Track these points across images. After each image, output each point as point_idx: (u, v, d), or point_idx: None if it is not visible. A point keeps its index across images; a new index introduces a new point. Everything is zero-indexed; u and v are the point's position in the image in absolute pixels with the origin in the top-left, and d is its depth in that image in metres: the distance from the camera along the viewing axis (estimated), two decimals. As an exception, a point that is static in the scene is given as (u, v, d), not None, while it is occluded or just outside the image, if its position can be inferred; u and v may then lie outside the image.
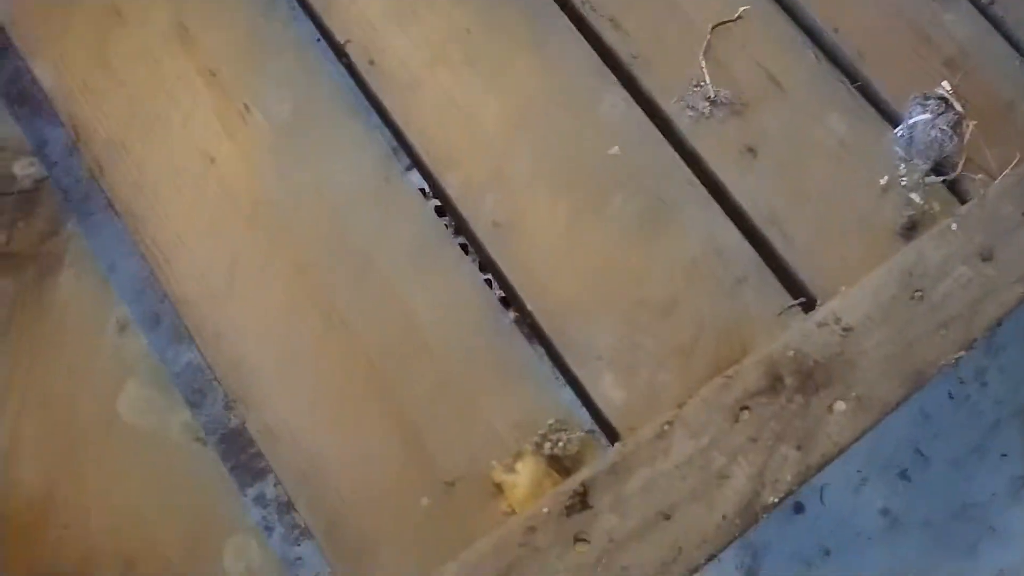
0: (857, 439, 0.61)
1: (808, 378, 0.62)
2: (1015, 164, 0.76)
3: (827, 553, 1.28)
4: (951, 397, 1.27)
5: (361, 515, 0.54)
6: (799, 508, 1.30)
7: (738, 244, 0.69)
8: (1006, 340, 1.26)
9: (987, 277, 0.69)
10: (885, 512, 1.27)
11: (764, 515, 0.57)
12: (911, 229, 0.73)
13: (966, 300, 0.68)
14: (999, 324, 0.69)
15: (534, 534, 0.53)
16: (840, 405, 0.61)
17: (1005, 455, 1.25)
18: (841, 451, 0.60)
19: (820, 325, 0.64)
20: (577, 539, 0.54)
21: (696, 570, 0.55)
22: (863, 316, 0.65)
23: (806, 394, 0.61)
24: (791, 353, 0.62)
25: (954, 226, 0.71)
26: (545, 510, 0.54)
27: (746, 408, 0.60)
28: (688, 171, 0.71)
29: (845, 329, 0.64)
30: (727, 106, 0.75)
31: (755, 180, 0.72)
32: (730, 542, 0.56)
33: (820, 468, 0.59)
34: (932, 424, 1.28)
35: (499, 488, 0.56)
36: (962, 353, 0.66)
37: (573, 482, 0.55)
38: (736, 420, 0.59)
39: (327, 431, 0.56)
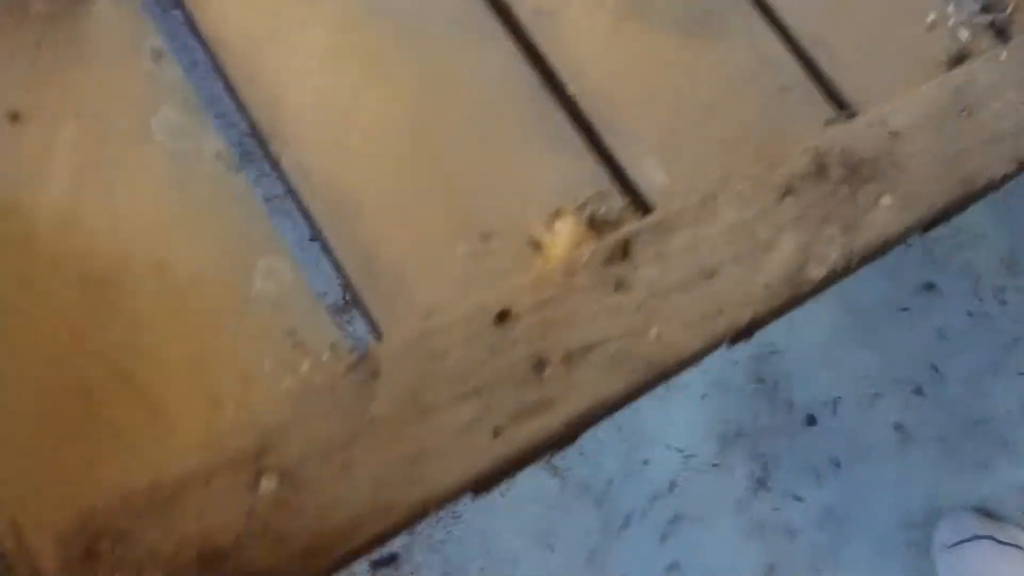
0: (903, 235, 0.59)
1: (854, 172, 0.60)
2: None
3: (838, 465, 1.26)
4: (970, 315, 1.25)
5: (395, 254, 0.52)
6: (811, 420, 1.28)
7: (783, 56, 0.67)
8: (1027, 259, 1.24)
9: None
10: (898, 427, 1.25)
11: (808, 291, 0.55)
12: (959, 61, 0.71)
13: (1014, 122, 0.66)
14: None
15: (573, 277, 0.51)
16: (887, 199, 0.59)
17: (1022, 373, 1.22)
18: (887, 243, 0.58)
19: (868, 126, 0.62)
20: (617, 286, 0.51)
21: (737, 332, 0.53)
22: (910, 123, 0.63)
23: (852, 185, 0.59)
24: (838, 148, 0.60)
25: (1004, 55, 0.69)
26: (585, 258, 0.52)
27: (792, 192, 0.58)
28: (736, -17, 0.69)
29: (892, 133, 0.62)
30: None
31: (800, 1, 0.70)
32: (773, 312, 0.54)
33: (865, 257, 0.57)
34: (949, 342, 1.26)
35: (537, 245, 0.54)
36: (1012, 169, 0.64)
37: (615, 236, 0.53)
38: (782, 199, 0.57)
39: (363, 171, 0.54)
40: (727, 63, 0.66)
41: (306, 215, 0.52)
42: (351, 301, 0.50)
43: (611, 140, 0.61)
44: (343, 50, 0.58)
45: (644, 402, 1.37)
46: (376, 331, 0.50)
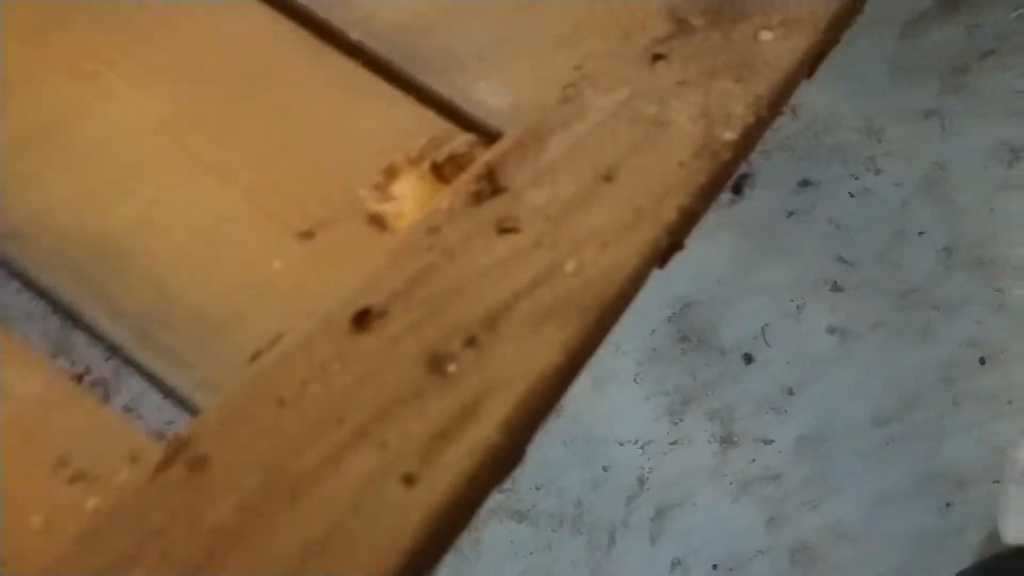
0: (801, 62, 0.46)
1: (717, 15, 0.47)
2: None
3: (791, 392, 1.14)
4: (852, 196, 1.17)
5: (190, 298, 0.35)
6: (749, 358, 1.16)
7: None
8: (883, 123, 1.17)
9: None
10: (832, 330, 1.14)
11: (728, 156, 0.41)
12: None
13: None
14: None
15: (439, 234, 0.35)
16: (765, 34, 0.46)
17: (923, 232, 1.14)
18: (789, 79, 0.45)
19: None
20: (502, 229, 0.36)
21: (670, 232, 0.38)
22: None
23: (722, 29, 0.46)
24: (691, -5, 0.47)
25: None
26: (446, 205, 0.36)
27: (660, 56, 0.44)
28: None
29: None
30: None
31: None
32: (701, 193, 0.39)
33: (773, 100, 0.44)
34: (843, 230, 1.16)
35: (379, 220, 0.38)
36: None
37: (474, 169, 0.38)
38: (653, 67, 0.43)
39: (118, 202, 0.37)
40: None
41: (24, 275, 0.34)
42: (147, 375, 0.32)
43: (427, 77, 0.45)
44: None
45: (581, 406, 1.21)
46: (188, 405, 0.32)
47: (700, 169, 0.40)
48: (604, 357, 1.19)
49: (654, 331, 1.18)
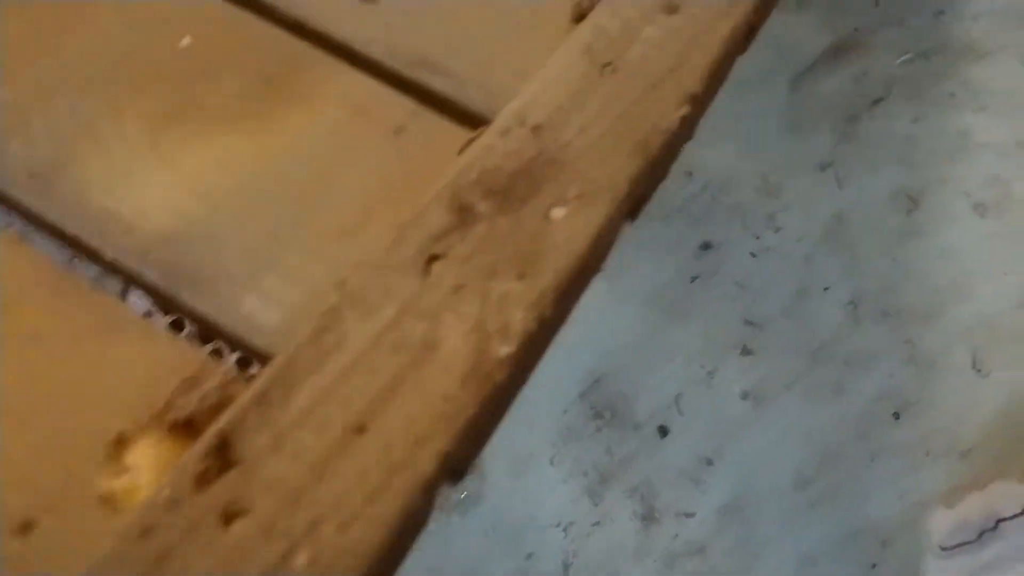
0: (599, 239, 0.43)
1: (506, 196, 0.43)
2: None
3: (709, 462, 1.11)
4: (754, 255, 1.14)
5: None
6: (663, 431, 1.13)
7: (386, 96, 0.51)
8: (780, 178, 1.14)
9: (678, 30, 0.53)
10: (745, 394, 1.12)
11: (503, 375, 0.37)
12: (583, 15, 0.57)
13: (665, 58, 0.52)
14: (718, 75, 0.53)
15: (151, 538, 0.31)
16: (558, 211, 0.43)
17: (827, 287, 1.12)
18: (582, 261, 0.42)
19: (503, 134, 0.46)
20: (229, 515, 0.32)
21: (431, 483, 0.34)
22: (553, 108, 0.48)
23: (510, 213, 0.42)
24: (474, 176, 0.44)
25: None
26: (166, 494, 0.32)
27: (436, 257, 0.40)
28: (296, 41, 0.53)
29: (535, 128, 0.46)
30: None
31: (382, 26, 0.54)
32: (472, 427, 0.35)
33: (563, 291, 0.40)
34: (748, 290, 1.14)
35: (110, 502, 0.34)
36: (684, 110, 0.49)
37: (207, 438, 0.34)
38: (427, 274, 0.40)
39: None
40: (315, 128, 0.49)
41: None
42: None
43: (192, 293, 0.41)
44: None
45: (499, 493, 1.17)
46: None
47: (469, 401, 0.36)
48: (518, 440, 1.15)
49: (566, 410, 1.14)
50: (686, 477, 1.11)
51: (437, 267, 0.40)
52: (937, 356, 1.09)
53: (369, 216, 0.45)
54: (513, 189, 0.43)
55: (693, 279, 1.14)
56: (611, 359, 1.14)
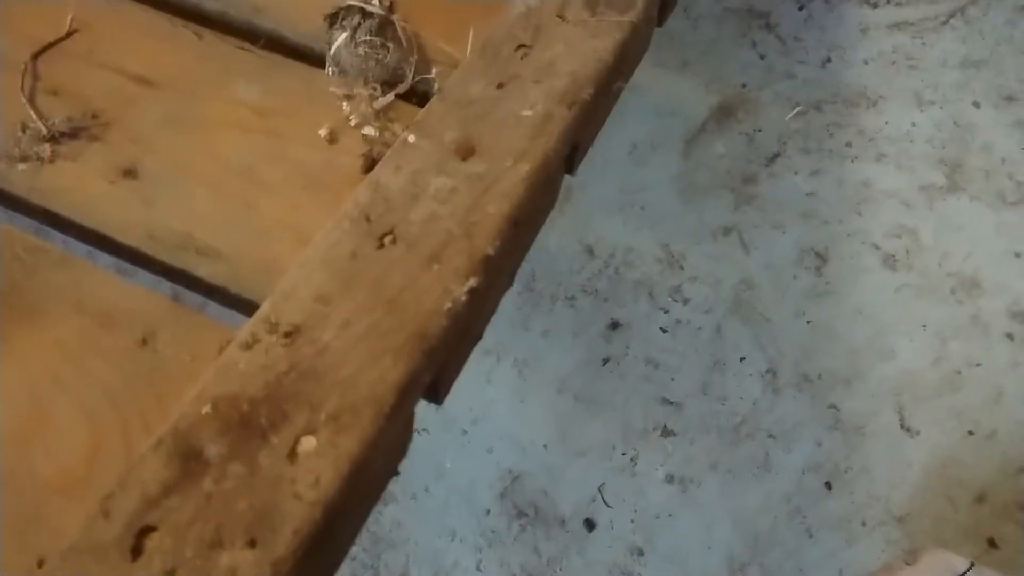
0: (353, 477, 0.35)
1: (244, 431, 0.36)
2: (472, 44, 0.55)
3: (640, 552, 1.03)
4: (664, 331, 1.07)
5: None
6: (590, 524, 1.05)
7: (133, 296, 0.43)
8: (683, 247, 1.08)
9: (477, 175, 0.47)
10: (670, 478, 1.04)
11: None
12: (370, 168, 0.50)
13: (458, 212, 0.45)
14: (521, 220, 0.47)
15: None
16: (307, 442, 0.36)
17: (743, 357, 1.05)
18: (329, 508, 0.34)
19: (247, 347, 0.38)
20: None
21: None
22: (313, 301, 0.40)
23: (246, 456, 0.35)
24: (207, 409, 0.36)
25: (411, 138, 0.48)
26: None
27: (149, 530, 0.33)
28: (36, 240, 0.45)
29: (288, 334, 0.39)
30: (82, 131, 0.50)
31: (141, 206, 0.47)
32: None
33: (305, 559, 0.33)
34: (662, 368, 1.07)
35: None
36: (472, 282, 0.42)
37: None
38: (138, 555, 0.32)
39: None
40: (43, 351, 0.41)
41: None
42: None
43: None
44: None
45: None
46: None
47: None
48: (440, 549, 1.07)
49: (488, 511, 1.06)
50: (618, 570, 1.03)
51: (150, 543, 0.33)
52: (863, 420, 1.02)
53: (95, 463, 0.37)
54: (254, 419, 0.36)
55: (605, 361, 1.07)
56: (528, 455, 1.06)
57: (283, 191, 0.49)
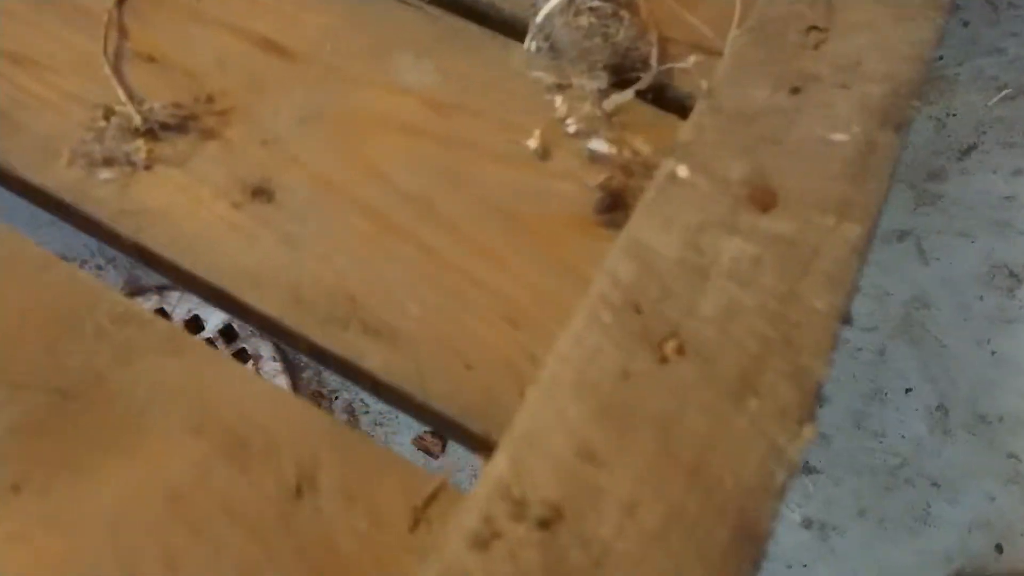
0: None
1: None
2: (740, 19, 0.39)
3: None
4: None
5: None
6: None
7: (278, 406, 0.29)
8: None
9: (786, 239, 0.31)
10: (808, 523, 0.90)
11: None
12: (612, 208, 0.34)
13: (769, 301, 0.29)
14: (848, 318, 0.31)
15: None
16: None
17: (909, 388, 0.90)
18: None
19: (480, 545, 0.24)
20: None
21: None
22: (576, 458, 0.25)
23: None
24: None
25: (682, 171, 0.32)
26: None
27: None
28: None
29: (546, 523, 0.24)
30: (192, 123, 0.34)
31: (282, 247, 0.32)
32: None
33: None
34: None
35: None
36: (808, 434, 0.27)
37: None
38: None
39: None
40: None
41: None
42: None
43: None
44: None
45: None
46: None
47: None
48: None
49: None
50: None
51: None
52: (1049, 474, 0.87)
53: None
54: None
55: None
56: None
57: (476, 234, 0.33)
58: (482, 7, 0.41)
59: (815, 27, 0.38)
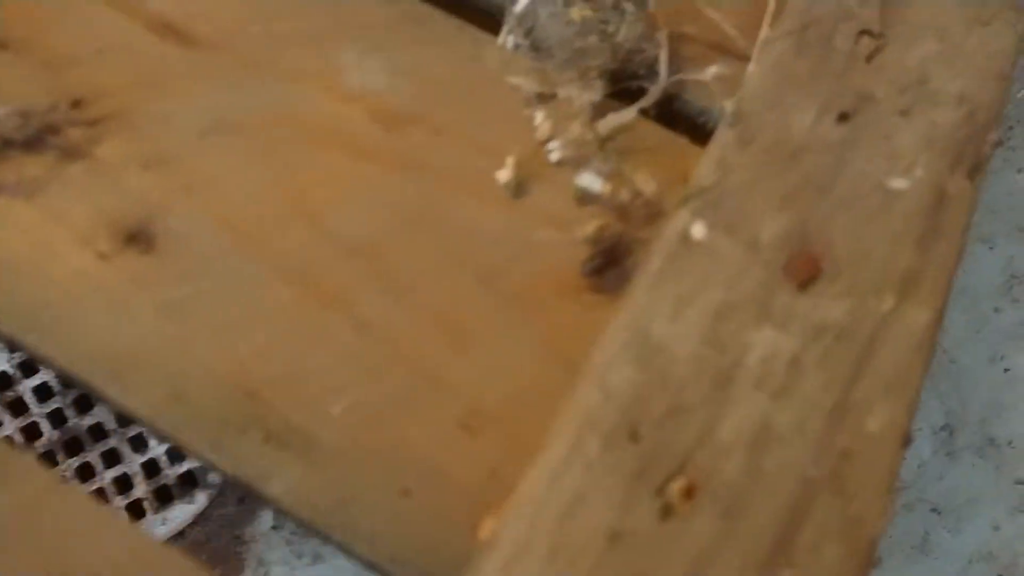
0: None
1: None
2: (774, 17, 0.31)
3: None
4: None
5: None
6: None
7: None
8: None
9: (834, 328, 0.23)
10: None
11: None
12: (604, 268, 0.26)
13: (811, 420, 0.22)
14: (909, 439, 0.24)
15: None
16: None
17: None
18: None
19: None
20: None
21: None
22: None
23: None
24: None
25: (698, 230, 0.24)
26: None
27: None
28: None
29: None
30: (52, 134, 0.26)
31: (169, 324, 0.24)
32: None
33: None
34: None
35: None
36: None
37: None
38: None
39: None
40: None
41: None
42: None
43: None
44: None
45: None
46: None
47: None
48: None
49: None
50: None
51: None
52: (1059, 504, 0.82)
53: None
54: None
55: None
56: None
57: (431, 301, 0.25)
58: (450, -11, 0.32)
59: (868, 31, 0.30)
